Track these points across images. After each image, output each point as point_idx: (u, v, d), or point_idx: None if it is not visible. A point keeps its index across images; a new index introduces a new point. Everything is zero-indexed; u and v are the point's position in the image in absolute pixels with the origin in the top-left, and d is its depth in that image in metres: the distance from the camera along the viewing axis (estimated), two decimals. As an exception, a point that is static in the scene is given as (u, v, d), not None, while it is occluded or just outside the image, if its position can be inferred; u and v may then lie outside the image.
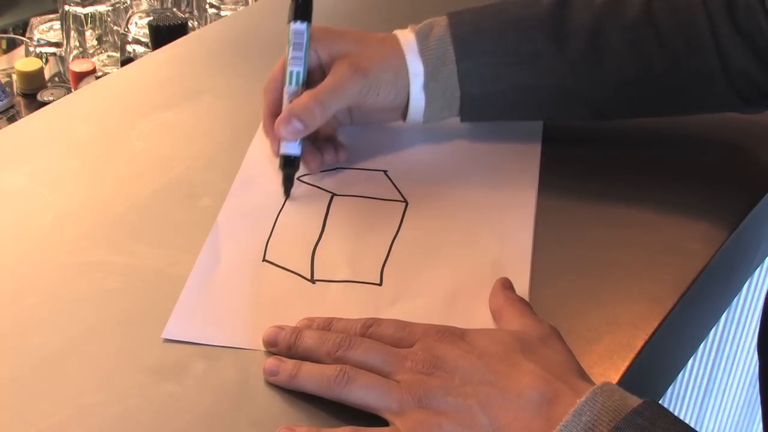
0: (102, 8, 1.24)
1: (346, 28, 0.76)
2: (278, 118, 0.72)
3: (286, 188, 0.73)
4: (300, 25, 0.73)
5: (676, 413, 0.52)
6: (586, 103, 0.75)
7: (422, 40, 0.73)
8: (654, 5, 0.72)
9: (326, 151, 0.76)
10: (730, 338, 1.14)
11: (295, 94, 0.73)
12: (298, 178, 0.75)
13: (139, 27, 1.20)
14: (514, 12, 0.74)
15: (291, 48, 0.73)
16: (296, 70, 0.73)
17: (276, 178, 0.75)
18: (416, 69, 0.72)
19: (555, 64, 0.73)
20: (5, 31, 1.38)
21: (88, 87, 0.97)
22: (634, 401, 0.51)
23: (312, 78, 0.74)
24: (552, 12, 0.73)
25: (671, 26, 0.72)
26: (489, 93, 0.74)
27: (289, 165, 0.73)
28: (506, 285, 0.64)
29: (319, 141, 0.76)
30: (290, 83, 0.73)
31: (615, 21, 0.72)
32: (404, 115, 0.76)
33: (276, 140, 0.74)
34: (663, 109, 0.76)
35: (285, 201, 0.73)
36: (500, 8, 0.75)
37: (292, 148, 0.73)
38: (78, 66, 1.15)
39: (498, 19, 0.74)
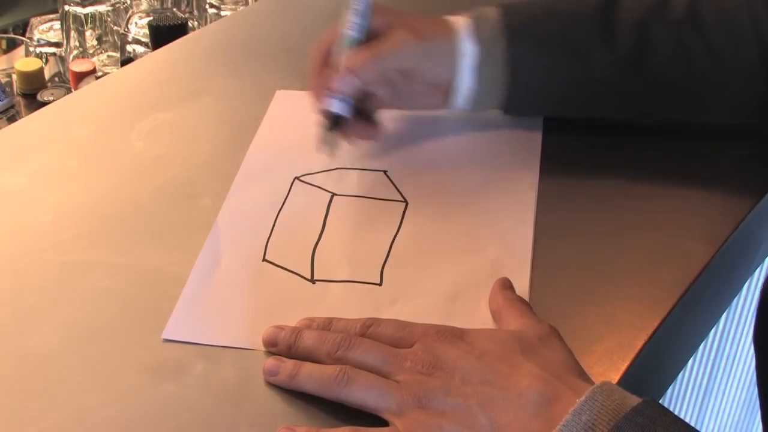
0: (102, 8, 1.24)
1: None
2: (332, 69, 0.72)
3: (327, 147, 0.73)
4: None
5: (676, 413, 0.52)
6: (630, 101, 0.76)
7: (476, 23, 0.73)
8: (699, 6, 0.73)
9: (363, 127, 0.76)
10: (730, 338, 1.14)
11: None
12: (297, 178, 0.75)
13: (139, 27, 1.20)
14: (565, 6, 0.75)
15: (351, 13, 0.73)
16: (353, 34, 0.73)
17: (276, 177, 0.75)
18: (468, 49, 0.73)
19: (601, 58, 0.73)
20: (5, 31, 1.38)
21: (88, 87, 0.97)
22: (634, 400, 0.51)
23: (365, 43, 0.74)
24: (601, 8, 0.74)
25: (716, 26, 0.73)
26: (535, 82, 0.75)
27: (336, 125, 0.73)
28: (506, 285, 0.64)
29: (362, 112, 0.76)
30: (345, 45, 0.73)
31: (661, 19, 0.73)
32: (447, 100, 0.76)
33: (320, 96, 0.73)
34: (705, 110, 0.76)
35: (284, 201, 0.73)
36: (551, 2, 0.76)
37: (342, 109, 0.73)
38: (78, 66, 1.15)
39: (548, 12, 0.75)
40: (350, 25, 0.73)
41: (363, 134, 0.76)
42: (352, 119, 0.74)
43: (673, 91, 0.75)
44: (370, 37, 0.74)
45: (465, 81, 0.74)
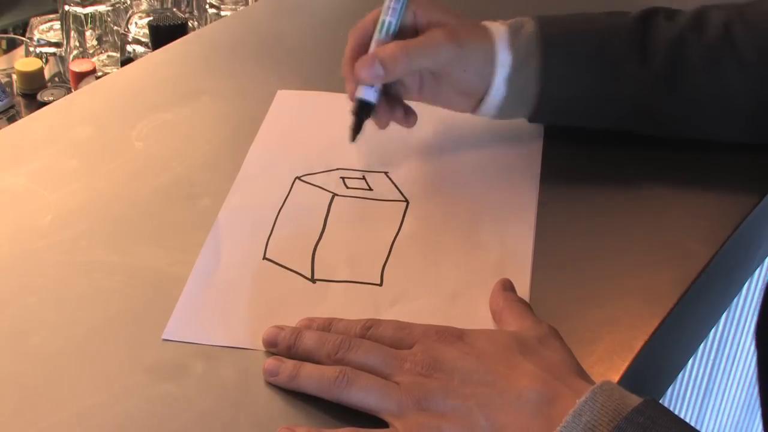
0: (102, 8, 1.24)
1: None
2: (361, 58, 0.72)
3: (353, 133, 0.73)
4: None
5: (676, 413, 0.52)
6: (661, 119, 0.75)
7: (513, 33, 0.73)
8: (734, 28, 0.73)
9: (396, 111, 0.76)
10: (730, 338, 1.14)
11: (383, 44, 0.72)
12: (298, 178, 0.75)
13: (139, 27, 1.20)
14: (601, 20, 0.75)
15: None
16: (389, 20, 0.72)
17: (277, 177, 0.75)
18: (504, 59, 0.72)
19: (635, 74, 0.73)
20: (5, 31, 1.38)
21: (88, 87, 0.97)
22: (635, 400, 0.51)
23: (404, 36, 0.73)
24: (637, 24, 0.74)
25: (751, 50, 0.72)
26: (567, 96, 0.74)
27: (362, 111, 0.73)
28: (506, 286, 0.64)
29: (391, 100, 0.75)
30: (380, 33, 0.72)
31: (696, 39, 0.73)
32: (476, 106, 0.75)
33: (353, 82, 0.73)
34: (736, 130, 0.76)
35: (284, 201, 0.73)
36: (587, 16, 0.76)
37: (370, 95, 0.72)
38: (78, 66, 1.15)
39: (585, 25, 0.75)
40: (388, 11, 0.72)
41: (396, 118, 0.76)
42: (384, 104, 0.74)
43: (706, 111, 0.74)
44: (408, 29, 0.73)
45: (497, 90, 0.73)
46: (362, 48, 0.73)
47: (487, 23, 0.74)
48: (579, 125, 0.77)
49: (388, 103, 0.75)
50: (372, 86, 0.72)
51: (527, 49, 0.72)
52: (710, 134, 0.76)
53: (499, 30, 0.73)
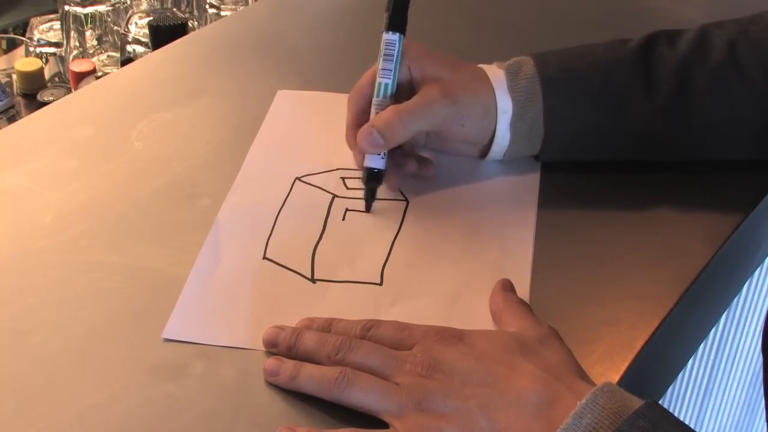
0: (102, 8, 1.24)
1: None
2: (361, 129, 0.71)
3: (367, 202, 0.72)
4: (392, 36, 0.72)
5: (676, 413, 0.52)
6: (672, 147, 0.74)
7: (512, 77, 0.72)
8: (739, 48, 0.72)
9: (409, 165, 0.74)
10: (730, 338, 1.14)
11: (382, 106, 0.72)
12: (298, 179, 0.75)
13: (139, 27, 1.20)
14: (600, 54, 0.74)
15: (381, 59, 0.72)
16: (385, 81, 0.72)
17: (277, 177, 0.75)
18: (505, 106, 0.72)
19: (642, 107, 0.72)
20: (5, 31, 1.38)
21: (88, 87, 0.97)
22: (636, 402, 0.51)
23: (400, 92, 0.73)
24: (638, 55, 0.73)
25: (757, 69, 0.72)
26: (573, 133, 0.73)
27: (372, 179, 0.72)
28: (506, 286, 0.64)
29: (402, 156, 0.74)
30: (378, 95, 0.72)
31: (700, 64, 0.72)
32: (484, 152, 0.75)
33: (359, 151, 0.72)
34: (749, 151, 0.75)
35: (284, 201, 0.73)
36: (585, 50, 0.74)
37: (377, 162, 0.71)
38: (78, 66, 1.15)
39: (584, 61, 0.73)
40: (382, 72, 0.72)
41: (410, 172, 0.74)
42: (392, 165, 0.73)
43: (717, 134, 0.73)
44: (405, 85, 0.73)
45: (501, 138, 0.73)
46: (362, 114, 0.73)
47: (485, 67, 0.74)
48: (589, 159, 0.75)
49: (397, 164, 0.74)
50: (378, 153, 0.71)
51: (528, 93, 0.72)
52: (723, 156, 0.75)
53: (496, 75, 0.73)
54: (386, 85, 0.72)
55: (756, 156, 0.75)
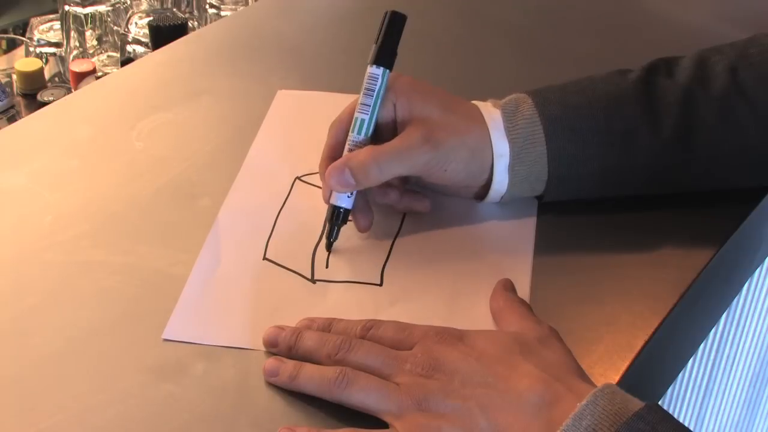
0: (102, 8, 1.24)
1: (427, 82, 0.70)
2: (332, 165, 0.67)
3: (328, 241, 0.68)
4: (376, 70, 0.67)
5: (676, 413, 0.52)
6: (682, 179, 0.72)
7: (509, 117, 0.68)
8: (740, 75, 0.70)
9: (389, 195, 0.70)
10: (730, 338, 1.14)
11: (358, 145, 0.67)
12: (299, 178, 0.75)
13: (139, 27, 1.20)
14: (601, 89, 0.70)
15: (362, 93, 0.68)
16: (363, 117, 0.67)
17: (277, 177, 0.75)
18: (502, 149, 0.67)
19: (648, 142, 0.69)
20: (5, 31, 1.38)
21: (88, 87, 0.97)
22: (636, 405, 0.51)
23: (383, 130, 0.69)
24: (639, 89, 0.70)
25: (762, 94, 0.69)
26: (578, 174, 0.69)
27: (336, 218, 0.67)
28: (507, 286, 0.64)
29: (379, 191, 0.70)
30: (354, 131, 0.68)
31: (703, 94, 0.69)
32: (479, 195, 0.70)
33: (328, 185, 0.67)
34: (760, 179, 0.73)
35: (285, 201, 0.73)
36: (584, 85, 0.70)
37: (344, 201, 0.67)
38: (78, 66, 1.15)
39: (585, 97, 0.69)
40: (361, 107, 0.68)
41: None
42: (364, 207, 0.69)
43: (726, 163, 0.71)
44: (388, 124, 0.69)
45: (499, 182, 0.69)
46: (338, 147, 0.69)
47: (480, 106, 0.69)
48: (596, 197, 0.72)
49: (368, 205, 0.69)
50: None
51: (527, 134, 0.68)
52: (733, 184, 0.73)
53: (492, 116, 0.68)
54: (362, 120, 0.67)
55: (762, 183, 0.73)
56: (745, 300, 1.11)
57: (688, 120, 0.69)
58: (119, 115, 0.84)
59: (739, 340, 1.18)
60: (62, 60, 1.25)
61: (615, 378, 0.59)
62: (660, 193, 0.73)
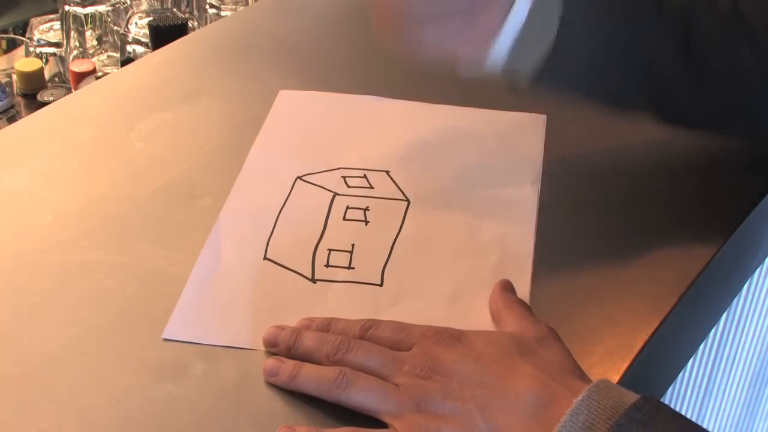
0: (102, 8, 1.24)
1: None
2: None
3: None
4: None
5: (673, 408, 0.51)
6: (675, 84, 0.69)
7: None
8: (742, 5, 0.68)
9: None
10: (730, 338, 1.14)
11: None
12: (299, 178, 0.75)
13: (139, 27, 1.20)
14: None
15: None
16: None
17: (278, 177, 0.75)
18: None
19: (649, 20, 0.67)
20: (5, 31, 1.37)
21: (88, 87, 0.97)
22: (632, 397, 0.51)
23: None
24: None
25: (761, 24, 0.68)
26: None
27: None
28: (506, 287, 0.64)
29: None
30: None
31: (706, 12, 0.68)
32: None
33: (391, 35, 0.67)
34: (750, 128, 0.72)
35: (285, 201, 0.73)
36: None
37: None
38: (78, 66, 1.15)
39: None
40: None
41: None
42: None
43: (718, 82, 0.69)
44: None
45: None
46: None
47: None
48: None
49: None
50: None
51: None
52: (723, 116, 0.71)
53: None
54: None
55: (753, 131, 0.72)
56: (745, 300, 1.11)
57: (689, 25, 0.67)
58: (119, 116, 0.84)
59: (739, 340, 1.18)
60: (62, 60, 1.25)
61: (615, 378, 0.59)
62: (653, 93, 0.70)
